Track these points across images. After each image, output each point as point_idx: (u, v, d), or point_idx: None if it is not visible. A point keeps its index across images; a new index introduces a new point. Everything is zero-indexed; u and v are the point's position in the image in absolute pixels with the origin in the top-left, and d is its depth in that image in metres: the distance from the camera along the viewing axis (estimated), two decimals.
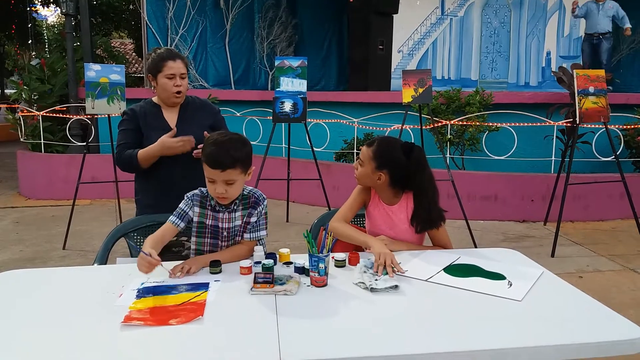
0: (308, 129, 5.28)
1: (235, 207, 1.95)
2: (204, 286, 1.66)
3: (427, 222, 2.11)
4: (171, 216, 1.92)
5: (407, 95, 4.89)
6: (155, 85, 2.47)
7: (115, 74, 4.84)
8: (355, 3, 8.08)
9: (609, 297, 3.42)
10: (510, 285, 1.69)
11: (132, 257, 2.32)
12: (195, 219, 1.95)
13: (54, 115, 6.86)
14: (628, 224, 5.13)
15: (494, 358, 1.34)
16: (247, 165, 1.89)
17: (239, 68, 9.27)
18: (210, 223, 1.95)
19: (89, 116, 6.53)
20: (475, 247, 4.42)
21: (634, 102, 6.29)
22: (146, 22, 8.48)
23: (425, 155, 2.13)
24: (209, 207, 1.95)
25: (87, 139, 5.35)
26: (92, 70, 4.75)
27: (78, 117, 6.98)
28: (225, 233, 1.96)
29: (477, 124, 5.89)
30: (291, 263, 1.85)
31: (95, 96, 4.72)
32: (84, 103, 4.95)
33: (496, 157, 5.88)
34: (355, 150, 6.38)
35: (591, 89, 4.55)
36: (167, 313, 1.46)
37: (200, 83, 8.82)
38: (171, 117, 2.52)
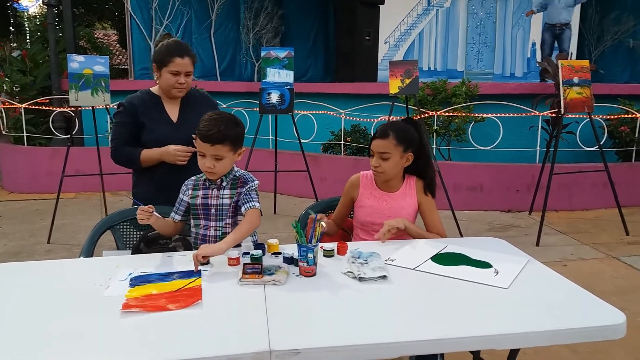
0: (295, 120, 5.26)
1: (224, 185, 2.01)
2: (197, 273, 1.68)
3: (433, 187, 2.28)
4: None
5: (394, 86, 4.89)
6: (159, 76, 2.43)
7: (99, 65, 4.77)
8: None
9: (592, 285, 3.47)
10: (497, 273, 1.71)
11: (118, 250, 2.30)
12: (189, 200, 2.05)
13: (37, 107, 6.76)
14: (611, 213, 5.21)
15: (481, 344, 1.36)
16: (237, 144, 1.97)
17: (224, 59, 9.20)
18: (200, 202, 2.03)
19: (72, 108, 6.44)
20: (462, 237, 4.45)
21: (618, 93, 6.37)
22: (130, 13, 8.36)
23: None
24: (201, 187, 2.04)
25: (71, 131, 5.28)
26: (76, 62, 4.68)
27: (61, 109, 6.88)
28: (213, 210, 2.01)
29: (463, 114, 5.92)
30: (280, 253, 1.85)
31: (78, 88, 4.65)
32: (67, 95, 4.88)
33: (482, 148, 5.92)
34: (342, 142, 6.38)
35: (575, 80, 4.59)
36: (164, 299, 1.47)
37: None
38: (172, 109, 2.50)
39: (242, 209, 1.95)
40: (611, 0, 9.15)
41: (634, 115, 5.88)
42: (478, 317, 1.41)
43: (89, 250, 2.13)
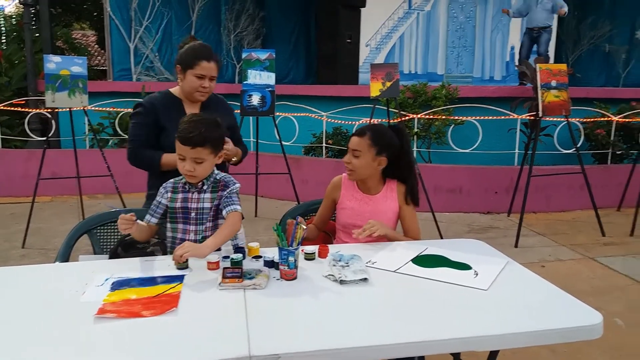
0: (276, 122, 5.24)
1: (205, 189, 1.98)
2: (179, 278, 1.66)
3: (415, 195, 2.25)
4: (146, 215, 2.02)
5: (375, 89, 4.91)
6: (182, 78, 2.38)
7: (77, 66, 4.69)
8: None
9: (569, 285, 3.50)
10: (476, 274, 1.72)
11: (95, 254, 2.26)
12: (167, 203, 2.01)
13: (12, 108, 6.61)
14: (587, 215, 5.30)
15: (461, 346, 1.36)
16: (218, 147, 1.95)
17: None
18: (179, 206, 1.98)
19: (49, 110, 6.32)
20: (442, 238, 4.48)
21: (594, 96, 6.50)
22: (109, 14, 8.25)
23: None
24: (181, 190, 2.00)
25: (47, 133, 5.19)
26: (52, 62, 4.59)
27: (37, 110, 6.75)
28: (193, 214, 1.97)
29: (443, 117, 5.97)
30: (260, 257, 1.83)
31: (55, 89, 4.57)
32: (44, 96, 4.79)
33: (462, 150, 5.98)
34: (324, 145, 6.38)
35: (553, 83, 4.67)
36: (140, 305, 1.45)
37: (166, 76, 8.66)
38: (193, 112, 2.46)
39: (224, 212, 1.92)
40: (588, 6, 9.35)
41: (609, 119, 6.00)
42: (458, 319, 1.41)
43: (65, 255, 2.08)
